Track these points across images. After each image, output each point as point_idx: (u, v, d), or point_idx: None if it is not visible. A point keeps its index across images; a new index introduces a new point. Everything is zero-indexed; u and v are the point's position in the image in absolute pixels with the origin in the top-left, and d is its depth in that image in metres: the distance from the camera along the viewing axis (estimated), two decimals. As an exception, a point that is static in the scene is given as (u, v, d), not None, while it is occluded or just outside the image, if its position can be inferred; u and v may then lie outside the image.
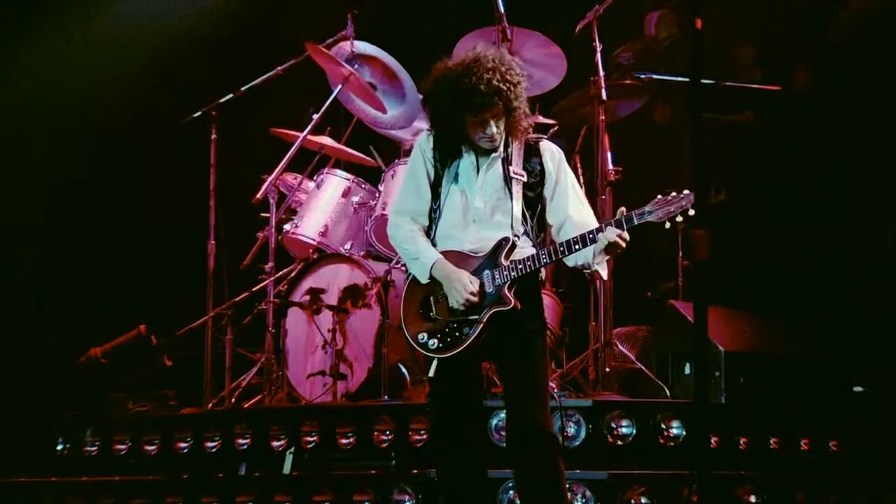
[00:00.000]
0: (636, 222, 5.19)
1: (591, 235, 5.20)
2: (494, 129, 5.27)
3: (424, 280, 5.35)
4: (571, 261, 5.35)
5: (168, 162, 8.98)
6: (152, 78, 9.11)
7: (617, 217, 5.22)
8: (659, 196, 5.19)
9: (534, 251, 5.29)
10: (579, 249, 5.22)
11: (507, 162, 5.36)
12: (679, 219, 5.14)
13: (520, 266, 5.23)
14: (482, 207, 5.33)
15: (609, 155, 7.19)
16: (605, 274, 5.42)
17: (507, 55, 5.35)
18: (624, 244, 5.17)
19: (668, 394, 6.93)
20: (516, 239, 5.28)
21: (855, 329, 7.81)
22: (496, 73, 5.21)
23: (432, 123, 5.44)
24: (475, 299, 5.23)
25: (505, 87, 5.21)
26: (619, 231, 5.16)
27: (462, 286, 5.23)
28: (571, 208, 5.38)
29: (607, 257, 5.28)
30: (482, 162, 5.38)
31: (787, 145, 8.33)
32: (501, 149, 5.38)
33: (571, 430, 6.36)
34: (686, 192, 5.15)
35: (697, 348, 4.50)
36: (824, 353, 7.38)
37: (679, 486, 6.25)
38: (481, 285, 5.26)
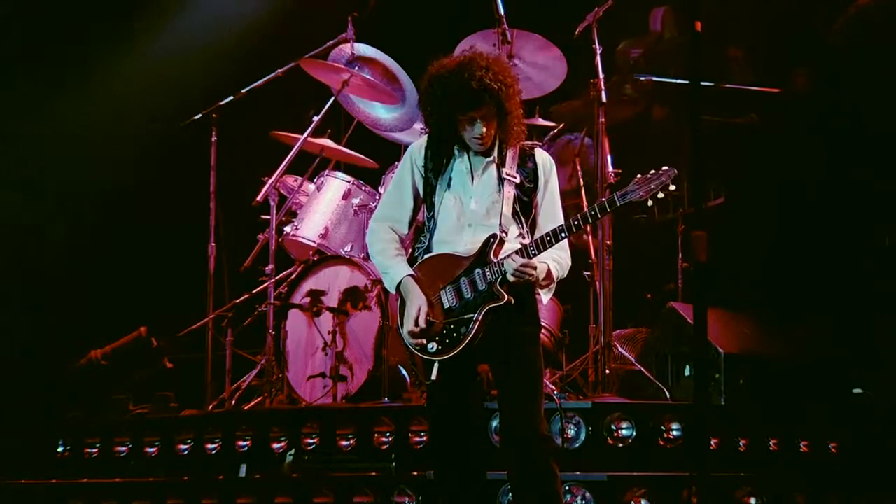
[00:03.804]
0: (619, 203, 5.21)
1: (548, 237, 5.24)
2: (483, 129, 5.28)
3: (390, 289, 5.42)
4: None
5: (168, 164, 9.00)
6: (152, 79, 9.15)
7: (599, 201, 5.24)
8: (639, 175, 5.22)
9: (520, 246, 5.30)
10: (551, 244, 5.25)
11: (501, 165, 5.38)
12: (661, 195, 5.17)
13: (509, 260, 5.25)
14: (477, 209, 5.34)
15: (609, 157, 7.20)
16: (544, 299, 5.43)
17: (504, 59, 5.37)
18: (526, 275, 5.19)
19: (668, 396, 6.94)
20: (503, 235, 5.29)
21: (855, 330, 7.81)
22: (489, 72, 5.22)
23: (426, 121, 5.46)
24: (417, 332, 5.26)
25: (496, 87, 5.21)
26: (522, 261, 5.19)
27: (409, 317, 5.28)
28: (549, 226, 5.39)
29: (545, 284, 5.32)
30: (476, 166, 5.39)
31: (786, 147, 8.34)
32: (495, 154, 5.39)
33: (571, 432, 6.36)
34: (666, 167, 5.18)
35: (697, 350, 4.52)
36: (824, 355, 7.38)
37: (679, 488, 6.25)
38: (473, 284, 5.28)
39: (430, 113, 5.38)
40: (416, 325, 5.27)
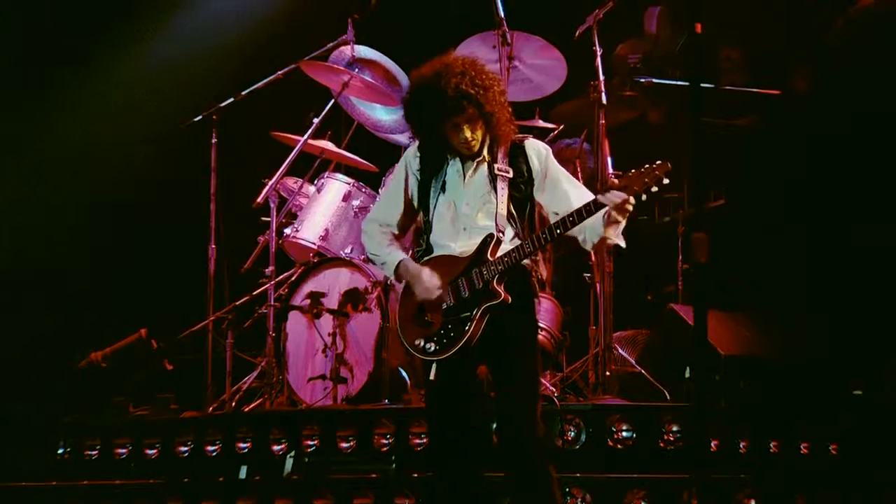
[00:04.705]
0: None
1: (587, 207, 5.16)
2: (469, 134, 5.30)
3: (393, 279, 5.47)
4: (588, 242, 5.32)
5: (169, 166, 9.00)
6: (152, 81, 9.15)
7: (594, 198, 5.20)
8: (632, 170, 5.19)
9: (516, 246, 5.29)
10: (574, 224, 5.19)
11: (492, 163, 5.38)
12: (654, 189, 5.12)
13: (505, 259, 5.26)
14: (469, 212, 5.36)
15: (609, 159, 7.19)
16: (622, 243, 5.31)
17: (480, 61, 5.36)
18: (630, 206, 5.14)
19: (668, 397, 6.94)
20: (500, 235, 5.30)
21: (855, 332, 7.81)
22: (465, 78, 5.24)
23: (413, 131, 5.48)
24: (439, 291, 5.28)
25: (473, 91, 5.23)
26: (622, 194, 5.11)
27: (422, 281, 5.29)
28: (573, 195, 5.35)
29: (621, 223, 5.22)
30: (467, 167, 5.41)
31: (786, 148, 8.34)
32: (486, 153, 5.40)
33: (571, 434, 6.36)
34: (659, 161, 5.15)
35: (697, 352, 4.52)
36: (824, 357, 7.38)
37: (679, 490, 6.25)
38: (471, 283, 5.29)
39: (415, 123, 5.41)
40: (435, 286, 5.27)
